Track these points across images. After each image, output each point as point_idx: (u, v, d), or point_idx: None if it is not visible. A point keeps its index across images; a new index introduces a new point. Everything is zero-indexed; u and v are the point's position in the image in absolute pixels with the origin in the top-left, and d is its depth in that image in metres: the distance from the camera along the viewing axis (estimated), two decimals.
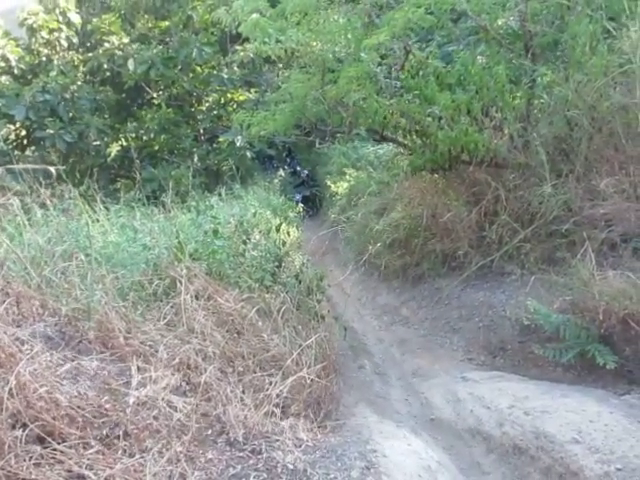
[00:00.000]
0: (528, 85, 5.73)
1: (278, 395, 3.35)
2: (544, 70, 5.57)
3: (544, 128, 5.63)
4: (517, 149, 5.60)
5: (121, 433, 2.36)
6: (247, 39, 6.91)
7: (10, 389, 2.16)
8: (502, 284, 5.49)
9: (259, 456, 2.81)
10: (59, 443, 2.21)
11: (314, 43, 6.12)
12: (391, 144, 7.91)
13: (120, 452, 2.29)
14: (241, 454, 2.80)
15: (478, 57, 6.32)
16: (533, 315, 4.42)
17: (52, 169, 2.87)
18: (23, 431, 2.15)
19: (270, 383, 3.44)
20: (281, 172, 13.76)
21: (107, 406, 2.46)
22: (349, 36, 6.22)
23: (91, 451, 2.23)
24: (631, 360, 3.96)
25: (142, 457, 2.30)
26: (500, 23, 6.36)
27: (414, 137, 6.38)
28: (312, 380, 3.65)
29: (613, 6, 5.32)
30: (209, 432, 2.86)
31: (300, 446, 3.00)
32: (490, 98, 5.73)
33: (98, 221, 5.21)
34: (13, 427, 2.17)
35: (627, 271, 4.18)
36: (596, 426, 3.24)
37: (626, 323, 3.89)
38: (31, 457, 2.10)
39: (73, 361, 2.67)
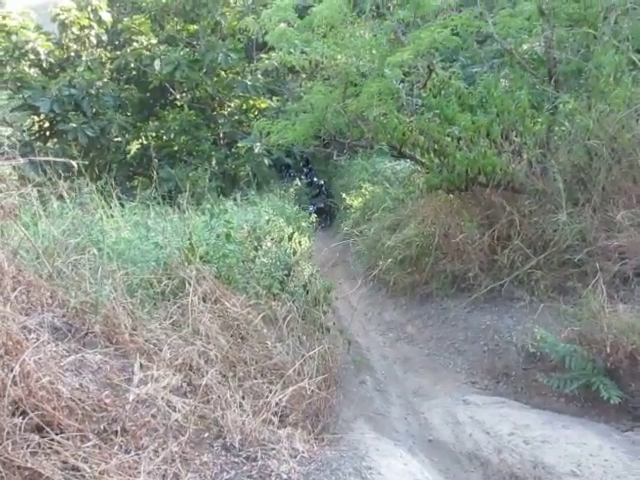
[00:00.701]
0: (550, 111, 5.72)
1: (277, 403, 3.34)
2: (567, 98, 5.56)
3: (563, 156, 5.60)
4: (535, 175, 5.57)
5: (119, 429, 2.37)
6: (273, 48, 6.99)
7: (14, 376, 2.18)
8: (510, 309, 5.45)
9: (254, 463, 2.80)
10: (57, 434, 2.22)
11: (339, 56, 6.17)
12: (408, 161, 7.92)
13: (116, 447, 2.30)
14: (236, 459, 2.79)
15: (501, 80, 6.32)
16: (540, 343, 4.38)
17: (74, 163, 2.90)
18: (23, 419, 2.17)
19: (270, 391, 3.44)
20: (297, 181, 13.82)
21: (107, 401, 2.47)
22: (374, 51, 6.27)
23: (88, 444, 2.24)
24: (636, 396, 3.89)
25: (137, 454, 2.31)
26: (525, 48, 6.37)
27: (432, 156, 6.37)
28: (312, 391, 3.65)
29: None
30: (206, 435, 2.86)
31: (295, 457, 2.99)
32: (511, 122, 5.72)
33: (113, 217, 5.26)
34: (13, 414, 2.19)
35: (638, 305, 4.14)
36: (596, 460, 3.20)
37: (633, 358, 3.83)
38: (28, 445, 2.12)
39: (77, 353, 2.69)
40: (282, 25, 6.60)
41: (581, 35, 5.66)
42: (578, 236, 5.01)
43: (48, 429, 2.21)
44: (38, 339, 2.52)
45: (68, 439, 2.21)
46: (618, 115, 5.02)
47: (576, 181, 5.46)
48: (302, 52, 6.05)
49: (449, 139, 6.02)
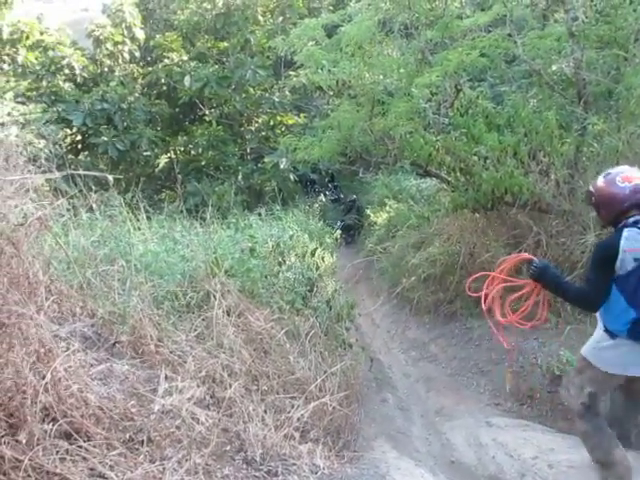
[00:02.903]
0: (578, 132, 5.67)
1: (299, 419, 3.34)
2: (595, 119, 5.51)
3: (592, 177, 5.54)
4: (562, 195, 5.52)
5: (144, 438, 2.41)
6: (301, 65, 7.10)
7: (45, 383, 2.24)
8: (536, 331, 5.34)
9: (275, 478, 2.80)
10: (85, 441, 2.27)
11: (366, 75, 6.23)
12: (434, 179, 7.91)
13: (142, 457, 2.33)
14: (257, 474, 2.80)
15: (529, 100, 6.30)
16: (565, 366, 4.31)
17: (110, 177, 2.99)
18: (53, 425, 2.22)
19: (292, 406, 3.44)
20: (322, 197, 13.88)
21: (133, 410, 2.51)
22: (401, 71, 6.32)
23: (114, 452, 2.28)
24: None
25: (162, 464, 2.34)
26: (554, 68, 6.35)
27: (458, 174, 6.36)
28: (334, 408, 3.64)
29: None
30: (228, 448, 2.87)
31: (316, 473, 2.99)
32: (538, 142, 5.68)
33: (140, 229, 5.36)
34: (43, 421, 2.24)
35: None
36: None
37: None
38: (58, 451, 2.16)
39: (106, 363, 2.74)
40: (310, 44, 6.70)
41: (611, 57, 5.62)
42: None
43: (76, 436, 2.25)
44: (68, 348, 2.58)
45: (95, 447, 2.25)
46: None
47: None
48: (329, 71, 6.12)
49: (476, 158, 6.01)
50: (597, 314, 2.96)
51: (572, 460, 3.54)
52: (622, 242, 2.74)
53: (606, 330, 2.92)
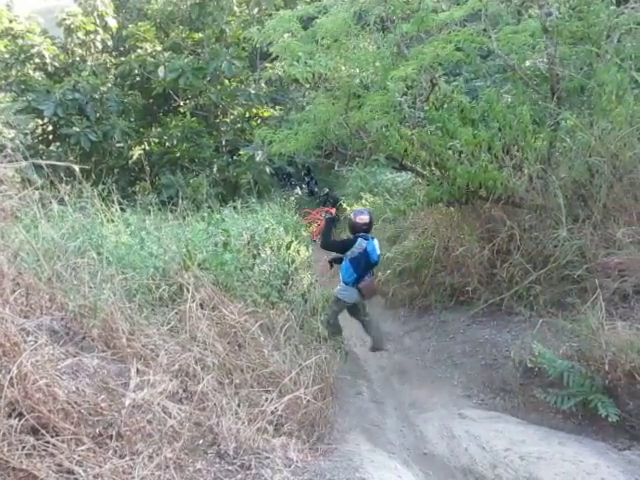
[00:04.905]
0: (551, 127, 5.74)
1: (273, 412, 3.33)
2: (568, 114, 5.58)
3: (564, 172, 5.62)
4: (535, 190, 5.58)
5: (114, 433, 2.36)
6: (277, 57, 7.03)
7: (11, 378, 2.18)
8: (509, 323, 5.44)
9: (247, 472, 2.78)
10: (52, 436, 2.21)
11: (342, 68, 6.19)
12: (410, 173, 7.93)
13: (111, 452, 2.29)
14: (230, 467, 2.78)
15: (503, 95, 6.35)
16: (537, 358, 4.36)
17: (76, 167, 2.91)
18: (19, 421, 2.16)
19: (266, 399, 3.42)
20: (298, 190, 13.83)
21: (103, 405, 2.46)
22: (377, 64, 6.30)
23: (83, 448, 2.23)
24: (634, 415, 3.86)
25: (132, 459, 2.30)
26: (528, 64, 6.41)
27: (433, 169, 6.39)
28: (308, 401, 3.63)
29: None
30: (200, 442, 2.84)
31: (289, 466, 2.98)
32: (512, 137, 5.73)
33: (113, 221, 5.27)
34: (9, 416, 2.18)
35: (637, 323, 4.13)
36: (592, 479, 3.18)
37: (632, 377, 3.80)
38: (24, 447, 2.10)
39: (75, 357, 2.68)
40: (286, 36, 6.64)
41: (584, 53, 5.69)
42: (578, 252, 5.01)
43: (43, 431, 2.20)
44: (36, 342, 2.51)
45: (63, 442, 2.19)
46: (620, 133, 5.04)
47: (577, 197, 5.48)
48: (305, 64, 6.06)
49: (450, 152, 6.03)
50: (340, 276, 5.53)
51: (542, 452, 3.60)
52: (355, 243, 5.27)
53: (344, 282, 5.42)
